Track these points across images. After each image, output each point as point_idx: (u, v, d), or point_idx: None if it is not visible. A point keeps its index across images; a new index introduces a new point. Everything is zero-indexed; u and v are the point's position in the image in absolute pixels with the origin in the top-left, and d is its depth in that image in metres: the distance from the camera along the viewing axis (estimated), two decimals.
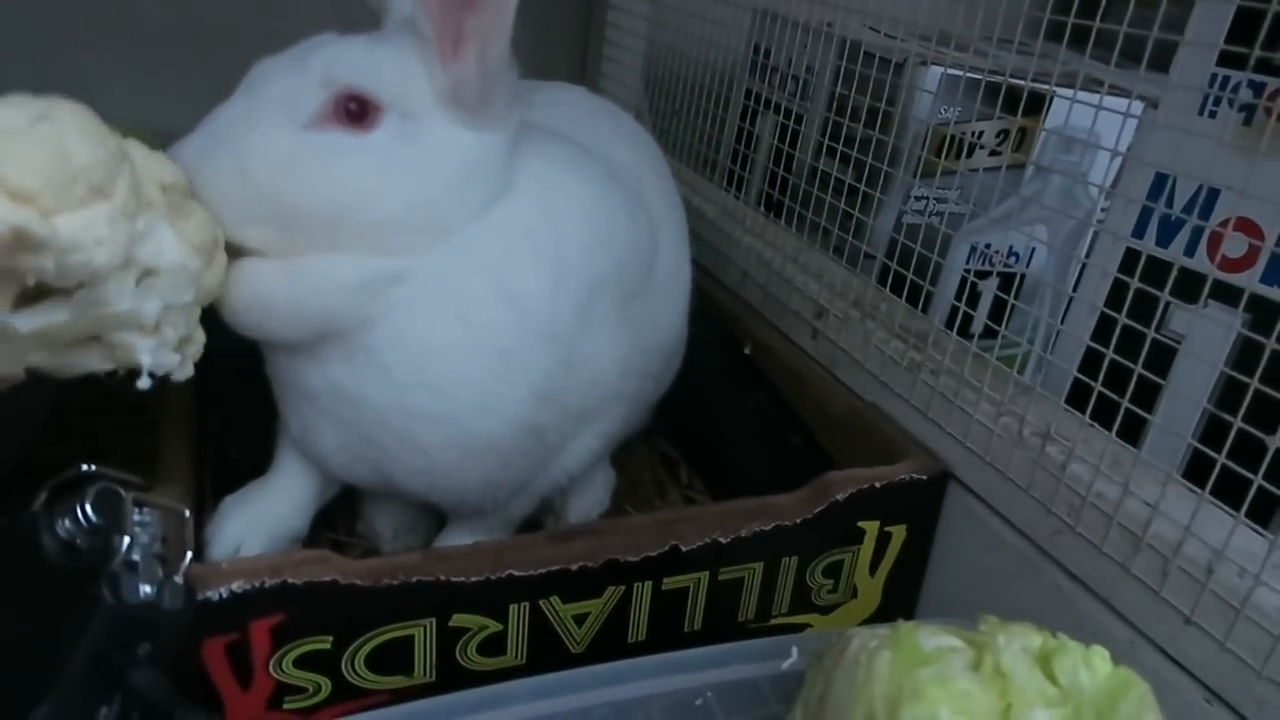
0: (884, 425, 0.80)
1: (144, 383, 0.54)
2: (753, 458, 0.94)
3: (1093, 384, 0.63)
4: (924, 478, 0.73)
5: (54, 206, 0.44)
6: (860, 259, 0.95)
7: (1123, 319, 0.63)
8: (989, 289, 1.05)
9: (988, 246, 1.06)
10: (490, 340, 0.61)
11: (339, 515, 0.82)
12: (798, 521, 0.70)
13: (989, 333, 0.87)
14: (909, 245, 0.96)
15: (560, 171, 0.65)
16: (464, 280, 0.60)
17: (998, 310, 0.92)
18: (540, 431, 0.67)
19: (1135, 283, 0.62)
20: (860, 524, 0.73)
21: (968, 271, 1.04)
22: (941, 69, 1.01)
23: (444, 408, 0.61)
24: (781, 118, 1.17)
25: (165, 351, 0.54)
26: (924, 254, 0.85)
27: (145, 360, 0.53)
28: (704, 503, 0.93)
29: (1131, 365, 0.61)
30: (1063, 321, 0.85)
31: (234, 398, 0.79)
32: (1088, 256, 0.85)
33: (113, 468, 0.54)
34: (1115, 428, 0.63)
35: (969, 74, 0.98)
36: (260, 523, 0.69)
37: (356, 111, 0.56)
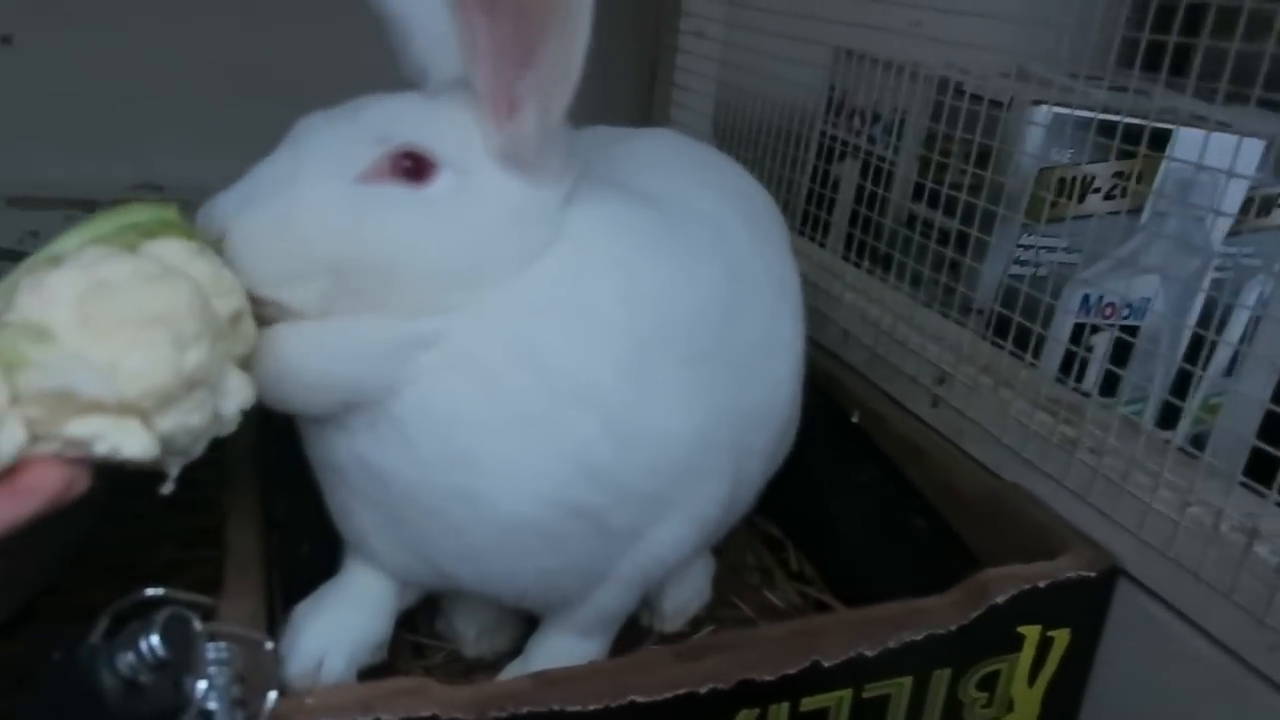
0: (1031, 510, 0.70)
1: (169, 487, 0.47)
2: (869, 540, 0.85)
3: None
4: (1092, 575, 0.64)
5: (156, 411, 0.42)
6: (970, 313, 0.88)
7: None
8: (1102, 344, 0.96)
9: (1100, 299, 0.97)
10: (514, 407, 0.55)
11: (419, 614, 0.74)
12: (952, 629, 0.60)
13: (1102, 391, 0.78)
14: (1017, 298, 0.88)
15: (597, 221, 0.59)
16: (486, 343, 0.55)
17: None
18: (594, 515, 0.58)
19: None
20: (1020, 629, 0.64)
21: (1081, 326, 0.96)
22: (1053, 108, 0.93)
23: (472, 484, 0.56)
24: (865, 161, 1.09)
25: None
26: (1039, 301, 0.76)
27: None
28: (821, 595, 0.83)
29: None
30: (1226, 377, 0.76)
31: (302, 479, 0.71)
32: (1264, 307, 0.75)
33: (180, 589, 0.46)
34: None
35: (1085, 113, 0.90)
36: (340, 633, 0.61)
37: (412, 168, 0.54)
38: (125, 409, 0.41)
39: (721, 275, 0.64)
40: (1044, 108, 0.93)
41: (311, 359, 0.53)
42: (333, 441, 0.58)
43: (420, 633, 0.74)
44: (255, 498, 0.67)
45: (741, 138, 1.22)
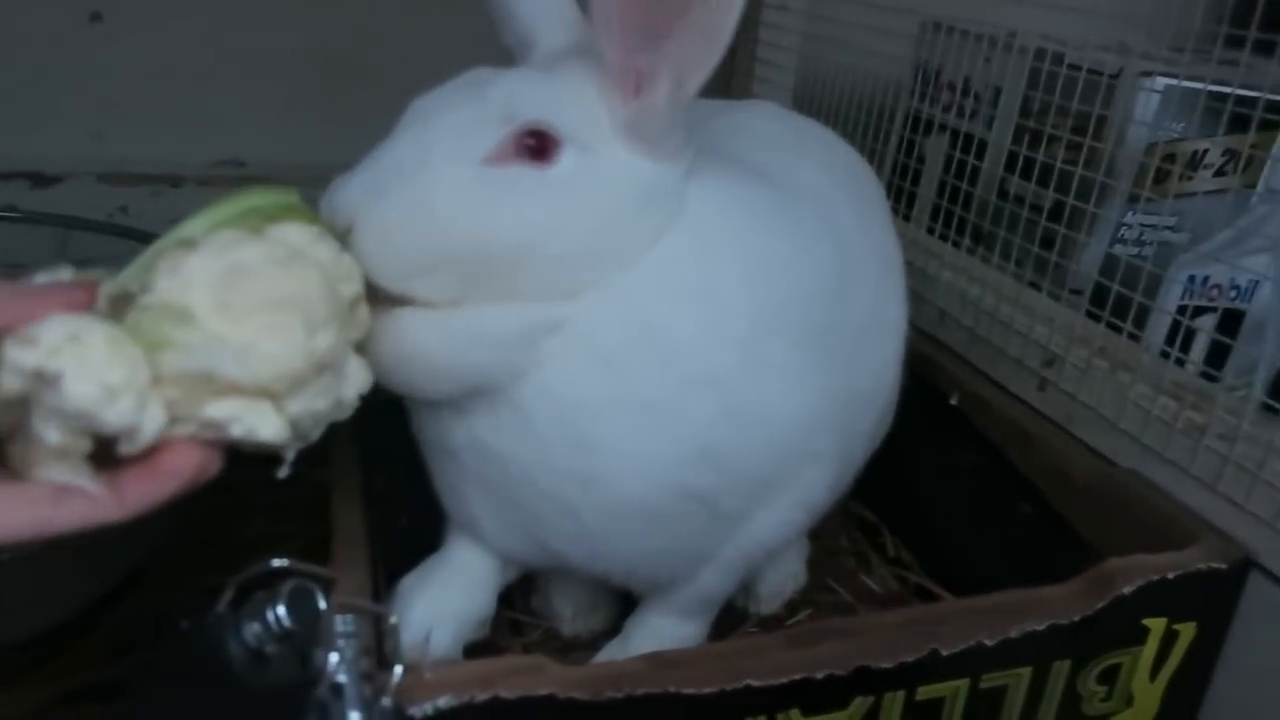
0: (1153, 498, 0.67)
1: (285, 471, 0.46)
2: (971, 526, 0.82)
3: None
4: (1223, 566, 0.61)
5: (287, 395, 0.42)
6: (1068, 291, 0.84)
7: None
8: (1206, 327, 0.92)
9: (1205, 280, 0.93)
10: (635, 391, 0.54)
11: (516, 591, 0.73)
12: (1075, 619, 0.58)
13: (1204, 375, 0.74)
14: (1123, 276, 0.84)
15: (716, 199, 0.57)
16: (609, 325, 0.53)
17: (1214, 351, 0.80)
18: (707, 497, 0.57)
19: None
20: (1145, 621, 0.61)
21: (1183, 308, 0.91)
22: (1167, 80, 0.89)
23: (592, 467, 0.55)
24: (955, 134, 1.06)
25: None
26: (1139, 280, 0.73)
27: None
28: (922, 580, 0.81)
29: None
30: None
31: (400, 453, 0.71)
32: None
33: (300, 561, 0.46)
34: None
35: (1195, 84, 0.86)
36: (447, 608, 0.61)
37: (536, 147, 0.51)
38: (259, 392, 0.41)
39: (834, 253, 0.62)
40: (1156, 79, 0.89)
41: (438, 348, 0.51)
42: (448, 424, 0.57)
43: (516, 609, 0.73)
44: (357, 471, 0.66)
45: (824, 110, 1.19)
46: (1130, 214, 0.92)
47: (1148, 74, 0.89)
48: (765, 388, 0.55)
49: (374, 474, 0.73)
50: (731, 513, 0.59)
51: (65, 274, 0.41)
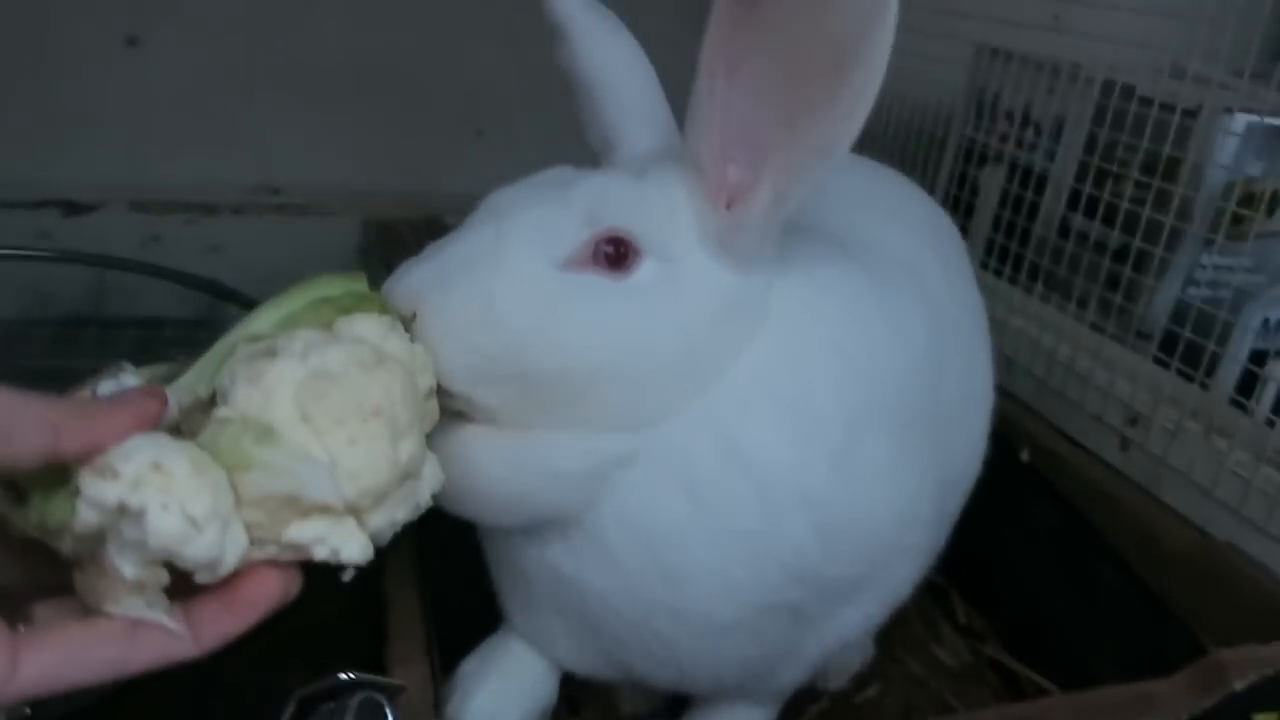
0: (1256, 576, 0.63)
1: (349, 575, 0.43)
2: (1048, 592, 0.78)
3: None
4: None
5: (371, 508, 0.39)
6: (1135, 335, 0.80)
7: None
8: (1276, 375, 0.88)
9: None
10: (724, 520, 0.49)
11: None
12: (1184, 718, 0.54)
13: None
14: (1188, 320, 0.81)
15: (802, 294, 0.51)
16: (694, 449, 0.48)
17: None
18: (796, 608, 0.53)
19: None
20: (1255, 717, 0.57)
21: (1257, 353, 0.87)
22: (1248, 117, 0.85)
23: (680, 596, 0.50)
24: (1013, 166, 1.02)
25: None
26: (1213, 324, 0.69)
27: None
28: (998, 655, 0.77)
29: None
30: None
31: (445, 526, 0.67)
32: None
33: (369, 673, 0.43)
34: None
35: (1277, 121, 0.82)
36: (511, 697, 0.57)
37: (614, 254, 0.47)
38: (344, 509, 0.38)
39: (926, 329, 0.57)
40: (1239, 116, 0.85)
41: (505, 477, 0.47)
42: (519, 546, 0.53)
43: (572, 684, 0.70)
44: (412, 554, 0.63)
45: (872, 138, 1.15)
46: (1205, 256, 0.89)
47: (1228, 110, 0.85)
48: (858, 493, 0.51)
49: (422, 537, 0.69)
50: (817, 615, 0.55)
51: (130, 379, 0.38)
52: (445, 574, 0.69)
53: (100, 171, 1.18)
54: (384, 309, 0.44)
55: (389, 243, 1.17)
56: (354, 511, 0.38)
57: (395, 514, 0.40)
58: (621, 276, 0.47)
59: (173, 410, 0.37)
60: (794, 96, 0.43)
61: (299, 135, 1.25)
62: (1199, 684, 0.55)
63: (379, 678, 0.42)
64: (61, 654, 0.34)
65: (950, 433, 0.60)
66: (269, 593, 0.37)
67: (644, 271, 0.47)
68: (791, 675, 0.60)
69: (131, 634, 0.35)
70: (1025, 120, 1.04)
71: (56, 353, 1.09)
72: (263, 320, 0.41)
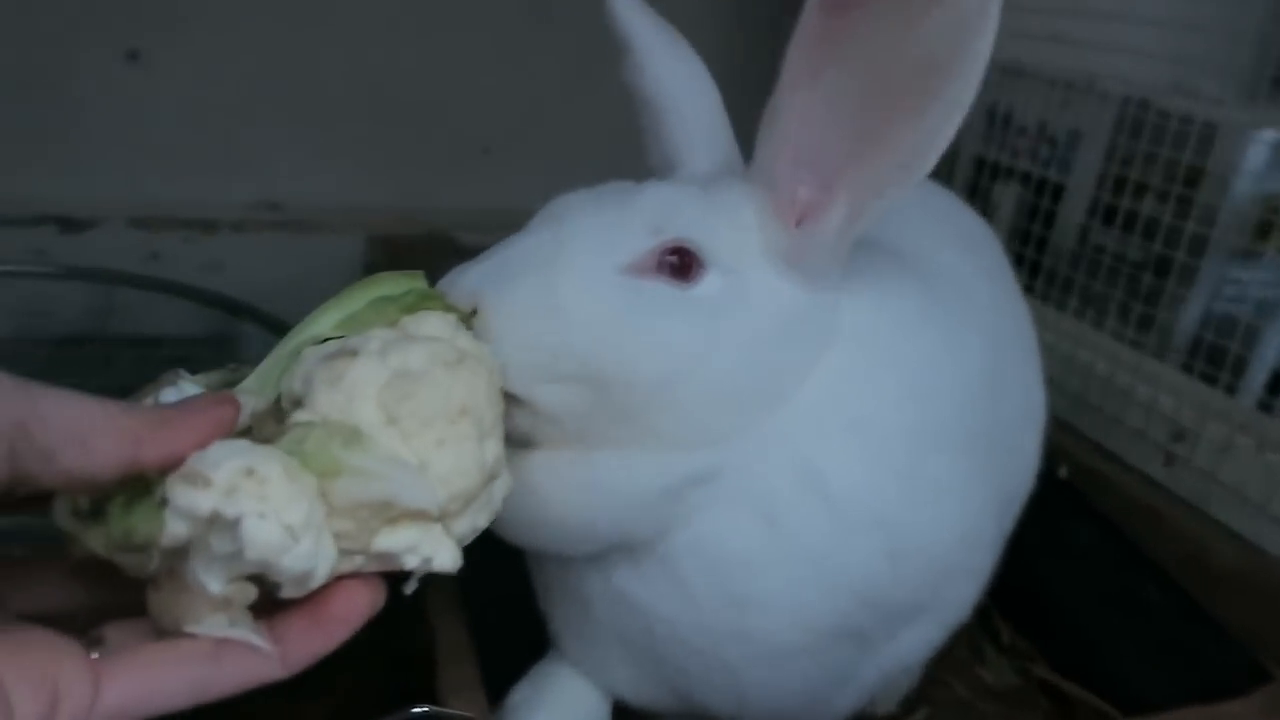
0: None
1: (411, 586, 0.41)
2: (1092, 611, 0.76)
3: None
4: None
5: (459, 513, 0.37)
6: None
7: None
8: None
9: None
10: (798, 543, 0.47)
11: None
12: None
13: None
14: (1218, 332, 0.81)
15: (867, 311, 0.50)
16: (767, 473, 0.47)
17: None
18: (861, 633, 0.52)
19: None
20: None
21: None
22: (1273, 131, 0.86)
23: (748, 622, 0.48)
24: (1028, 181, 1.02)
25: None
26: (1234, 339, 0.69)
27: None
28: (1050, 676, 0.75)
29: None
30: None
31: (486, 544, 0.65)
32: None
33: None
34: None
35: None
36: None
37: (678, 265, 0.45)
38: (433, 515, 0.35)
39: (984, 347, 0.56)
40: (1267, 131, 0.85)
41: (575, 502, 0.45)
42: (580, 571, 0.51)
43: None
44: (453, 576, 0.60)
45: None
46: (1230, 271, 0.89)
47: (1257, 126, 0.86)
48: (925, 515, 0.49)
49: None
50: (880, 639, 0.53)
51: (190, 387, 0.35)
52: (482, 595, 0.67)
53: (99, 187, 1.15)
54: (445, 306, 0.42)
55: (396, 261, 1.15)
56: (443, 517, 0.35)
57: (477, 520, 0.38)
58: (686, 286, 0.45)
59: (246, 419, 0.35)
60: (877, 111, 0.42)
61: (301, 151, 1.23)
62: (1271, 706, 0.54)
63: (453, 711, 0.40)
64: (144, 678, 0.31)
65: (1009, 451, 0.59)
66: (358, 608, 0.35)
67: (708, 283, 0.45)
68: (848, 701, 0.58)
69: (215, 655, 0.32)
70: (1042, 134, 1.04)
71: (53, 371, 1.06)
72: (323, 322, 0.39)
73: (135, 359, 1.13)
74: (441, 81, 1.24)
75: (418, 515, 0.34)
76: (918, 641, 0.56)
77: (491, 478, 0.38)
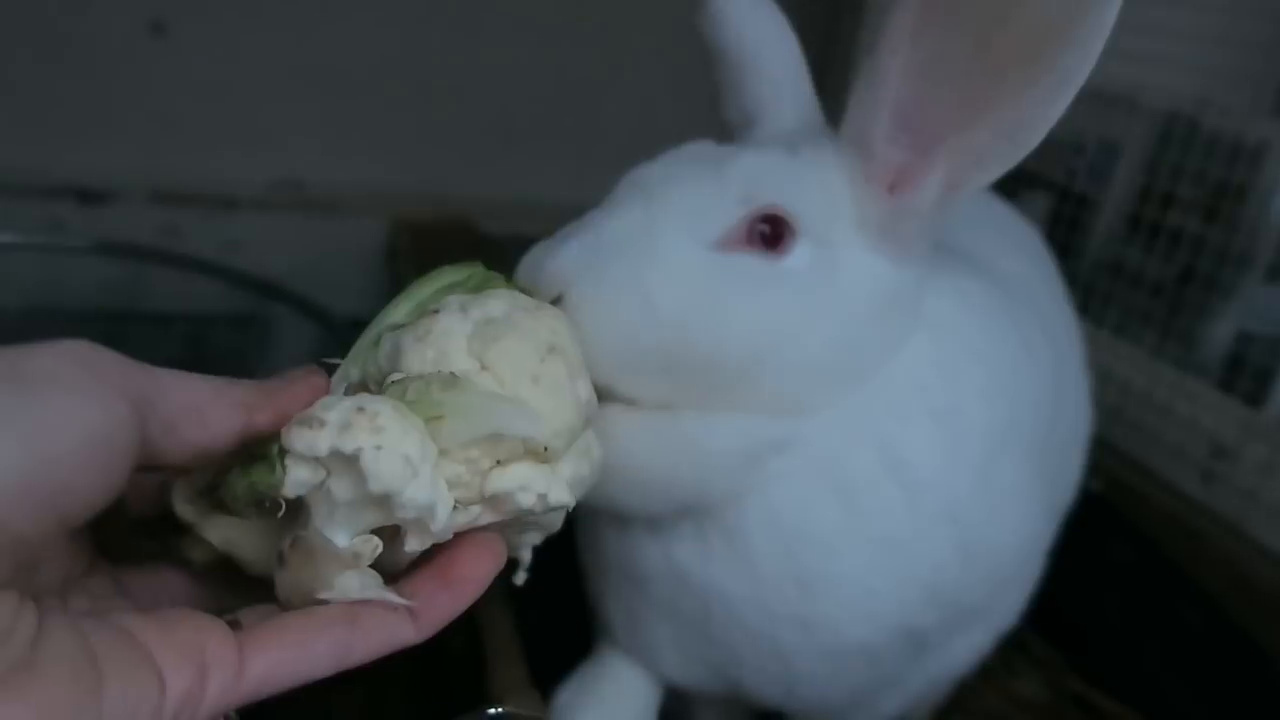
0: None
1: (521, 577, 0.42)
2: (1127, 628, 0.76)
3: None
4: None
5: (563, 453, 0.36)
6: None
7: None
8: None
9: None
10: (873, 525, 0.47)
11: None
12: None
13: None
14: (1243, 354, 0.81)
15: (950, 300, 0.50)
16: (848, 450, 0.46)
17: None
18: (922, 634, 0.51)
19: None
20: None
21: None
22: None
23: (812, 608, 0.47)
24: (1059, 193, 1.02)
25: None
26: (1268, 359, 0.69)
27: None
28: (1082, 689, 0.75)
29: None
30: None
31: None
32: None
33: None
34: None
35: None
36: None
37: (769, 234, 0.44)
38: (541, 454, 0.35)
39: (1049, 349, 0.56)
40: None
41: (653, 457, 0.44)
42: (639, 546, 0.50)
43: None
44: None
45: None
46: (1266, 290, 0.89)
47: None
48: (994, 514, 0.49)
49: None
50: (936, 642, 0.53)
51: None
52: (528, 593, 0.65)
53: (119, 160, 1.13)
54: (513, 289, 0.41)
55: (421, 245, 1.14)
56: (550, 457, 0.35)
57: (580, 467, 0.37)
58: (776, 259, 0.44)
59: (338, 392, 0.35)
60: (984, 77, 0.40)
61: (326, 131, 1.21)
62: None
63: (528, 712, 0.39)
64: (287, 647, 0.31)
65: (1065, 461, 0.59)
66: (484, 564, 0.35)
67: (799, 255, 0.44)
68: (893, 705, 0.58)
69: (352, 618, 0.32)
70: (1076, 147, 1.04)
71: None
72: (397, 312, 0.39)
73: (151, 336, 1.12)
74: (467, 66, 1.23)
75: (528, 452, 0.34)
76: (969, 648, 0.56)
77: (588, 419, 0.38)
